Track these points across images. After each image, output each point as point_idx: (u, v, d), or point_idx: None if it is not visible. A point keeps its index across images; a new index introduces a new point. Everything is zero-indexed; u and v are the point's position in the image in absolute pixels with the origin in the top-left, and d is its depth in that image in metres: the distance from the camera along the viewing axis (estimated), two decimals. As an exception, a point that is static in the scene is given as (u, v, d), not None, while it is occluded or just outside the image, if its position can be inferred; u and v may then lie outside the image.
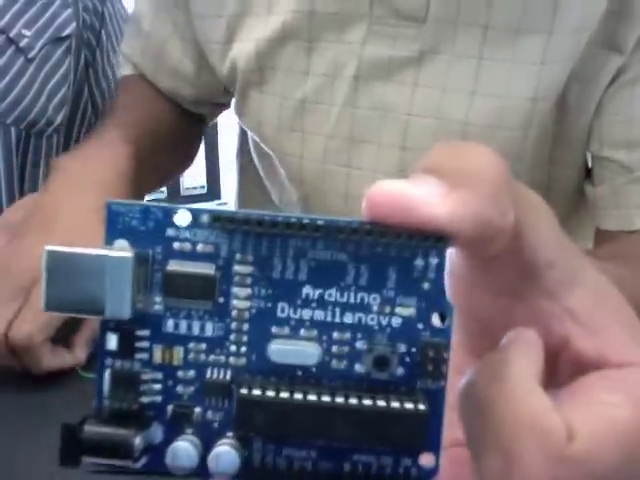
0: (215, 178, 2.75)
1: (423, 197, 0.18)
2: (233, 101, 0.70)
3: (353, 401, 0.19)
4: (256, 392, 0.19)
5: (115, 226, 0.19)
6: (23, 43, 0.75)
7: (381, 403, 0.19)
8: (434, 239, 0.18)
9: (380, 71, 0.59)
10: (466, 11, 0.55)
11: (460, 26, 0.56)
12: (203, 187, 2.84)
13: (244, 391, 0.19)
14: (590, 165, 0.61)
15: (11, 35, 0.73)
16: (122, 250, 0.19)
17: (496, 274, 0.21)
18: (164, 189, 2.10)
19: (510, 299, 0.22)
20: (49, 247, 0.18)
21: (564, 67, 0.55)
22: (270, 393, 0.19)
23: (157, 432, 0.20)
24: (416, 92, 0.59)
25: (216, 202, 2.76)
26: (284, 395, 0.19)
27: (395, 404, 0.19)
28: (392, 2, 0.56)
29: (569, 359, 0.21)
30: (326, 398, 0.19)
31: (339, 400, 0.19)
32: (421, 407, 0.19)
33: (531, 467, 0.18)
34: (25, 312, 0.49)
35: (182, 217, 0.19)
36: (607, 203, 0.59)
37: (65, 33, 0.72)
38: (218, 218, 0.19)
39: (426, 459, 0.20)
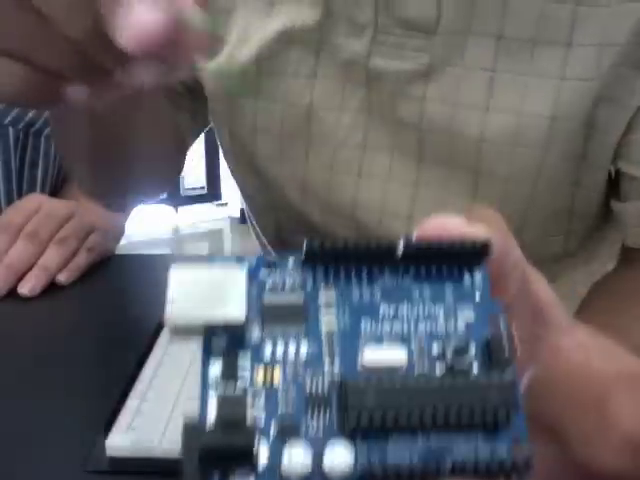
0: (215, 178, 2.74)
1: (463, 222, 0.23)
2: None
3: (448, 381, 0.21)
4: (362, 383, 0.21)
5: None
6: None
7: (470, 380, 0.21)
8: (476, 252, 0.23)
9: (386, 83, 0.56)
10: (479, 20, 0.52)
11: (472, 36, 0.53)
12: (203, 187, 2.84)
13: (351, 382, 0.21)
14: (615, 180, 0.59)
15: None
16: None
17: (516, 321, 0.24)
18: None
19: (531, 344, 0.25)
20: (174, 267, 0.22)
21: (586, 85, 0.52)
22: (373, 382, 0.21)
23: (264, 452, 0.21)
24: (425, 107, 0.56)
25: (216, 202, 2.76)
26: (386, 383, 0.21)
27: (483, 379, 0.21)
28: (399, 11, 0.53)
29: None
30: (423, 383, 0.21)
31: (435, 383, 0.21)
32: (507, 378, 0.21)
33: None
34: None
35: (271, 262, 0.23)
36: (636, 221, 0.58)
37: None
38: (303, 255, 0.23)
39: (519, 450, 0.21)
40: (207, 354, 0.21)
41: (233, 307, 0.21)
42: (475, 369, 0.22)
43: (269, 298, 0.23)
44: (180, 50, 0.29)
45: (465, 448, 0.21)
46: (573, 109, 0.53)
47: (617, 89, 0.53)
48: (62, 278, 0.65)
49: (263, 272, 0.23)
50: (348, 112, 0.59)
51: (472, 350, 0.22)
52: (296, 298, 0.23)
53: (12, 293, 0.63)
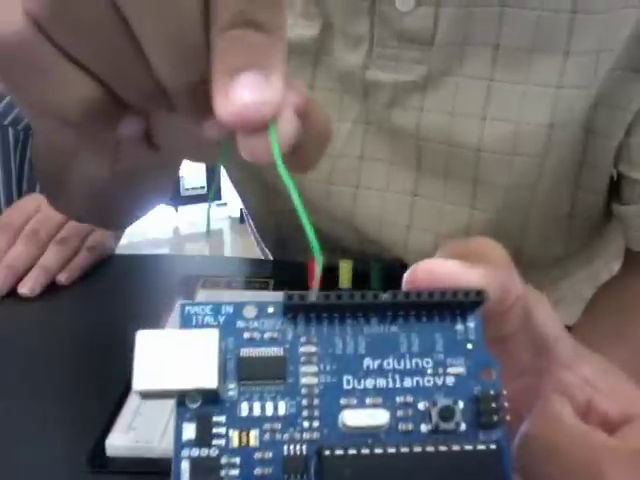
0: (215, 178, 2.73)
1: (457, 268, 0.22)
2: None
3: (430, 449, 0.20)
4: (339, 452, 0.20)
5: (190, 324, 0.22)
6: None
7: (455, 447, 0.20)
8: (469, 302, 0.22)
9: (383, 94, 0.56)
10: (476, 31, 0.52)
11: (469, 47, 0.53)
12: (203, 187, 2.84)
13: (327, 452, 0.20)
14: (616, 182, 0.59)
15: None
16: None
17: (516, 354, 0.24)
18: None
19: (531, 377, 0.25)
20: (140, 331, 0.21)
21: (584, 92, 0.52)
22: (352, 451, 0.20)
23: None
24: (422, 117, 0.55)
25: (216, 202, 2.76)
26: (365, 451, 0.20)
27: (468, 447, 0.20)
28: (396, 24, 0.53)
29: (595, 421, 0.24)
30: (405, 449, 0.20)
31: (417, 449, 0.20)
32: (492, 447, 0.20)
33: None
34: None
35: (250, 310, 0.22)
36: (639, 224, 0.58)
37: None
38: (282, 308, 0.22)
39: None
40: (180, 419, 0.21)
41: (205, 373, 0.20)
42: (462, 428, 0.21)
43: (246, 351, 0.21)
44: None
45: None
46: (571, 116, 0.53)
47: (616, 93, 0.53)
48: (62, 278, 0.65)
49: (240, 322, 0.22)
50: (346, 123, 0.59)
51: (459, 410, 0.21)
52: (275, 351, 0.21)
53: (12, 293, 0.63)
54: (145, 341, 0.21)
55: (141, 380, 0.20)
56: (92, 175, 0.40)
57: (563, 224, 0.61)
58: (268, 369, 0.21)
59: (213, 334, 0.20)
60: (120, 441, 0.41)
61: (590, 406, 0.24)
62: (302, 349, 0.22)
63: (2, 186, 0.79)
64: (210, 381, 0.20)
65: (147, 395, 0.21)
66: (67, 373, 0.52)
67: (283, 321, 0.22)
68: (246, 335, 0.22)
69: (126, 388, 0.46)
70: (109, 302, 0.64)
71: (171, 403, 0.43)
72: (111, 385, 0.47)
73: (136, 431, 0.42)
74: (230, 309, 0.22)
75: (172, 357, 0.20)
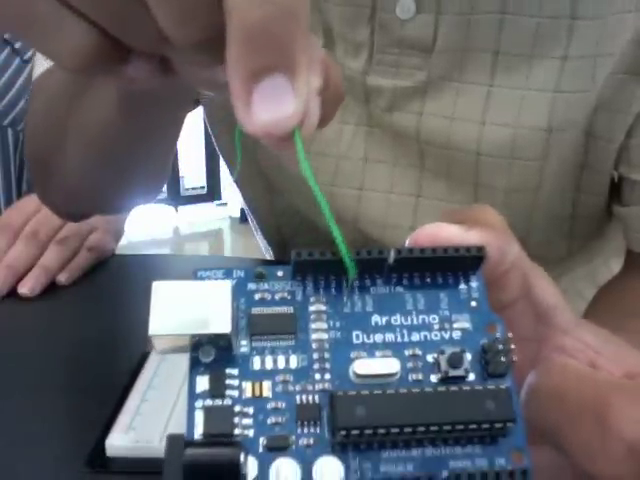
0: (215, 178, 2.74)
1: (457, 230, 0.23)
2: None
3: (442, 389, 0.21)
4: (351, 392, 0.20)
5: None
6: (18, 44, 0.74)
7: (466, 388, 0.21)
8: (471, 257, 0.22)
9: (384, 99, 0.56)
10: (476, 37, 0.52)
11: (469, 53, 0.53)
12: (203, 187, 2.83)
13: (340, 393, 0.20)
14: (617, 184, 0.59)
15: (6, 36, 0.72)
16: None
17: (517, 323, 0.25)
18: (164, 189, 2.10)
19: (532, 345, 0.25)
20: (156, 282, 0.21)
21: (582, 96, 0.52)
22: (364, 392, 0.20)
23: (253, 465, 0.20)
24: (423, 121, 0.56)
25: (216, 202, 2.76)
26: (377, 392, 0.20)
27: (479, 387, 0.21)
28: (396, 31, 0.53)
29: None
30: (416, 390, 0.20)
31: (429, 390, 0.21)
32: (502, 386, 0.21)
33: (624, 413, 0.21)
34: None
35: (260, 274, 0.23)
36: (639, 225, 0.58)
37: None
38: (291, 272, 0.22)
39: (517, 458, 0.21)
40: (194, 369, 0.21)
41: (218, 318, 0.20)
42: (471, 378, 0.22)
43: (257, 309, 0.22)
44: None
45: (462, 458, 0.20)
46: (570, 120, 0.54)
47: (616, 97, 0.53)
48: (62, 278, 0.65)
49: (251, 284, 0.23)
50: (349, 125, 0.59)
51: (468, 358, 0.22)
52: (285, 309, 0.22)
53: (12, 293, 0.63)
54: (161, 290, 0.21)
55: (157, 326, 0.20)
56: (101, 114, 0.39)
57: (565, 225, 0.61)
58: (279, 325, 0.22)
59: (226, 285, 0.21)
60: (120, 441, 0.41)
61: (594, 368, 0.24)
62: (312, 308, 0.22)
63: (2, 187, 0.79)
64: (224, 327, 0.20)
65: (163, 346, 0.21)
66: (67, 373, 0.52)
67: (292, 284, 0.23)
68: (257, 296, 0.22)
69: (126, 388, 0.46)
70: (109, 302, 0.64)
71: (171, 403, 0.43)
72: (111, 385, 0.47)
73: (136, 431, 0.42)
74: (242, 273, 0.23)
75: (186, 305, 0.20)
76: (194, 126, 1.94)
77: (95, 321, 0.60)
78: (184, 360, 0.47)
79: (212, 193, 2.85)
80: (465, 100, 0.55)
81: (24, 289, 0.63)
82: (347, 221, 0.62)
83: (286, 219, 0.70)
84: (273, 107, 0.20)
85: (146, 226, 2.59)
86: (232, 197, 2.63)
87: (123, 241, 0.79)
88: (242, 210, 2.67)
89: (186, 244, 2.72)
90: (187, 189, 2.88)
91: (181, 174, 2.61)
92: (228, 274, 0.22)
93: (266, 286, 0.22)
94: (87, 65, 0.23)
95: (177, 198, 2.84)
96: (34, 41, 0.23)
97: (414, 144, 0.58)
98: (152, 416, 0.43)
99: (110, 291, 0.66)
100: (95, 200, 0.56)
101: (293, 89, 0.20)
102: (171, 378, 0.46)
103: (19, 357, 0.54)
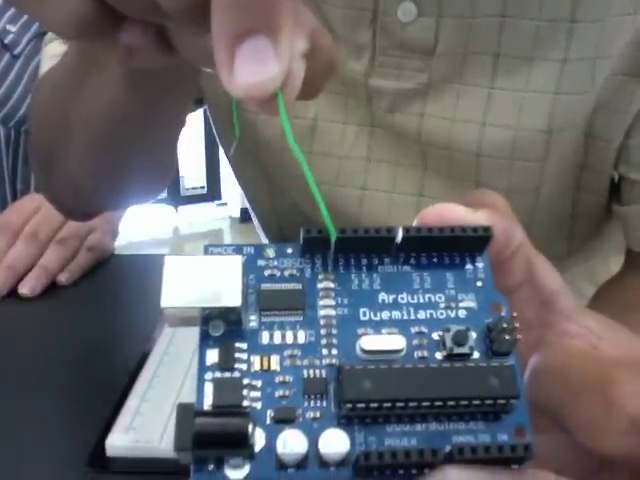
0: (215, 178, 2.73)
1: (464, 212, 0.23)
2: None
3: (447, 365, 0.21)
4: (358, 367, 0.21)
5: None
6: (8, 40, 0.73)
7: (471, 364, 0.21)
8: (477, 237, 0.23)
9: (386, 100, 0.57)
10: (476, 40, 0.53)
11: (470, 56, 0.54)
12: (203, 187, 2.83)
13: (347, 367, 0.21)
14: (617, 184, 0.60)
15: None
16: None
17: (521, 308, 0.25)
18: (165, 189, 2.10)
19: (536, 330, 0.25)
20: (168, 256, 0.21)
21: (581, 98, 0.53)
22: (371, 366, 0.21)
23: (261, 436, 0.20)
24: (424, 122, 0.57)
25: (216, 202, 2.75)
26: (384, 366, 0.21)
27: (483, 364, 0.21)
28: (397, 34, 0.54)
29: None
30: (422, 365, 0.21)
31: (434, 366, 0.21)
32: (507, 364, 0.21)
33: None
34: None
35: (270, 251, 0.23)
36: (639, 224, 0.58)
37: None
38: (300, 249, 0.23)
39: (520, 434, 0.21)
40: (204, 342, 0.21)
41: (228, 292, 0.21)
42: (476, 356, 0.22)
43: (267, 285, 0.22)
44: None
45: (465, 434, 0.21)
46: (569, 121, 0.54)
47: (616, 97, 0.54)
48: (62, 278, 0.65)
49: (261, 261, 0.23)
50: (351, 125, 0.60)
51: (473, 337, 0.22)
52: (294, 285, 0.22)
53: (12, 293, 0.63)
54: (173, 265, 0.21)
55: (168, 298, 0.21)
56: (106, 97, 0.39)
57: (565, 225, 0.62)
58: (287, 301, 0.22)
59: (237, 259, 0.21)
60: (120, 441, 0.41)
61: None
62: (320, 285, 0.23)
63: None
64: (234, 300, 0.21)
65: (174, 318, 0.21)
66: (67, 373, 0.52)
67: (301, 261, 0.23)
68: (266, 272, 0.23)
69: (126, 388, 0.46)
70: (109, 302, 0.64)
71: (170, 403, 0.43)
72: (111, 385, 0.47)
73: (136, 431, 0.42)
74: (251, 250, 0.23)
75: (198, 279, 0.21)
76: (194, 126, 1.94)
77: (95, 321, 0.60)
78: (184, 360, 0.47)
79: (212, 193, 2.85)
80: (466, 102, 0.55)
81: (24, 289, 0.63)
82: (350, 220, 0.63)
83: (288, 218, 0.70)
84: (255, 69, 0.20)
85: (146, 226, 2.59)
86: (232, 197, 2.63)
87: (123, 241, 0.79)
88: (242, 210, 2.67)
89: (186, 244, 2.71)
90: (187, 189, 2.88)
91: (181, 174, 2.60)
92: (238, 250, 0.23)
93: (275, 263, 0.23)
94: (81, 31, 0.23)
95: (177, 198, 2.84)
96: (28, 8, 0.24)
97: (415, 145, 0.58)
98: (152, 416, 0.43)
99: (110, 291, 0.66)
100: (98, 193, 0.55)
101: (275, 51, 0.20)
102: (171, 378, 0.46)
103: (19, 357, 0.54)
